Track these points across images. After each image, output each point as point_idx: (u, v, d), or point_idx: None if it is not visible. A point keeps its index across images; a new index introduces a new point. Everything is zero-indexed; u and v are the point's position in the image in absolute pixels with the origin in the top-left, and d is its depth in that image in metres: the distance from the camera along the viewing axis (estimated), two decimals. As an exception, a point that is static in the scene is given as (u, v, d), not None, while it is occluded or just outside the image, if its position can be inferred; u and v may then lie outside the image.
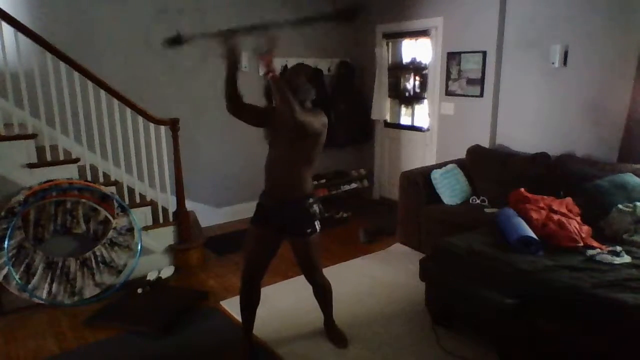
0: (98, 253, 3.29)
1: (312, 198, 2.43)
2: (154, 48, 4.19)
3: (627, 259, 2.52)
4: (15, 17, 3.02)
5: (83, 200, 3.29)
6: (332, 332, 2.77)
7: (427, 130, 5.07)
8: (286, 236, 2.48)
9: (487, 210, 3.68)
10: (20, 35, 3.03)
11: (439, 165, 4.16)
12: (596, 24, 3.59)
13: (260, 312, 3.02)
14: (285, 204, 2.40)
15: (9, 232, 2.98)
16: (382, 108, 5.42)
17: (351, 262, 3.86)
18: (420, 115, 5.29)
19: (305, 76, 2.37)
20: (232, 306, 3.06)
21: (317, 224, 2.47)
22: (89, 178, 3.44)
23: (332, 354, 2.62)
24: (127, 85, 3.69)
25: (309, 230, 2.42)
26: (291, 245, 2.50)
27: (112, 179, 3.60)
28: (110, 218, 3.36)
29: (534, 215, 2.89)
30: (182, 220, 3.76)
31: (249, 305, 2.59)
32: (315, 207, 2.43)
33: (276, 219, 2.43)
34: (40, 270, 3.09)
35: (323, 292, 2.70)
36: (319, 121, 2.33)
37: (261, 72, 2.16)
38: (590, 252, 2.61)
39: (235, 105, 2.34)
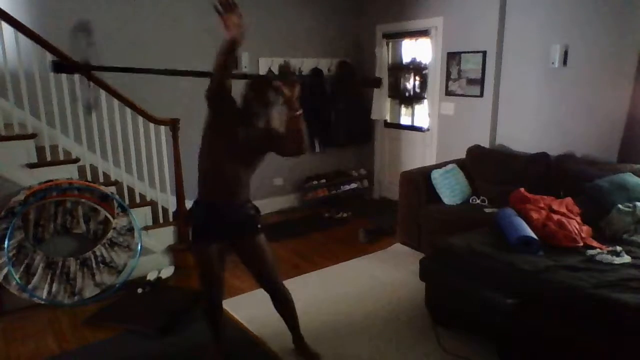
0: (98, 253, 3.29)
1: (249, 203, 2.35)
2: (154, 47, 4.22)
3: (627, 259, 2.52)
4: (15, 17, 3.02)
5: (83, 200, 3.29)
6: (303, 350, 2.58)
7: (427, 130, 5.07)
8: (232, 245, 2.35)
9: (487, 210, 3.68)
10: (20, 35, 3.03)
11: (439, 165, 4.15)
12: (596, 24, 3.59)
13: (260, 311, 3.03)
14: (226, 211, 2.27)
15: (9, 232, 2.98)
16: (382, 108, 5.42)
17: (351, 262, 3.86)
18: (420, 115, 5.29)
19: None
20: (231, 306, 3.06)
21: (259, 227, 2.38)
22: (89, 178, 3.44)
23: (331, 354, 2.62)
24: (127, 85, 3.69)
25: (259, 226, 2.34)
26: (240, 252, 2.37)
27: (112, 179, 3.60)
28: (110, 218, 3.36)
29: (534, 215, 2.89)
30: (182, 220, 3.76)
31: (213, 319, 2.50)
32: (253, 211, 2.35)
33: (219, 228, 2.29)
34: (40, 270, 3.09)
35: (283, 301, 2.49)
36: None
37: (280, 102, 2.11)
38: (590, 252, 2.61)
39: (224, 92, 2.13)
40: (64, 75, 3.21)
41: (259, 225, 2.37)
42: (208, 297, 2.43)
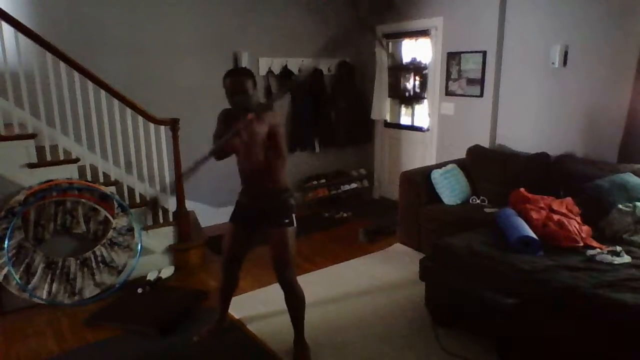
0: (98, 253, 3.29)
1: (287, 192, 2.49)
2: (154, 47, 4.22)
3: (627, 259, 2.52)
4: (15, 17, 3.02)
5: (83, 200, 3.30)
6: (299, 352, 2.58)
7: (427, 130, 5.07)
8: (263, 230, 2.49)
9: (487, 210, 3.68)
10: (20, 35, 3.03)
11: (439, 165, 4.15)
12: (596, 24, 3.59)
13: (260, 311, 3.04)
14: (261, 199, 2.47)
15: (9, 232, 2.98)
16: (382, 108, 5.42)
17: (351, 262, 3.86)
18: (420, 115, 5.29)
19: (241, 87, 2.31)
20: (231, 306, 3.06)
21: (294, 218, 2.50)
22: (89, 178, 3.44)
23: (332, 354, 2.62)
24: (127, 85, 3.69)
25: (286, 221, 2.45)
26: (268, 240, 2.49)
27: (112, 179, 3.60)
28: (110, 218, 3.36)
29: (534, 215, 2.89)
30: (182, 220, 3.76)
31: (225, 288, 2.76)
32: (292, 201, 2.50)
33: (252, 215, 2.50)
34: (40, 270, 3.09)
35: (295, 298, 2.54)
36: (278, 124, 2.36)
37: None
38: (590, 252, 2.61)
39: (221, 157, 2.49)
40: (63, 75, 3.21)
41: (293, 221, 2.49)
42: (223, 267, 2.69)
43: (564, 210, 2.95)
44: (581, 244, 2.70)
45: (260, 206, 2.49)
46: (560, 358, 2.33)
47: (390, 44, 5.39)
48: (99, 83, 3.33)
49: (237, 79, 2.31)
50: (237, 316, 3.02)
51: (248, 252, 2.68)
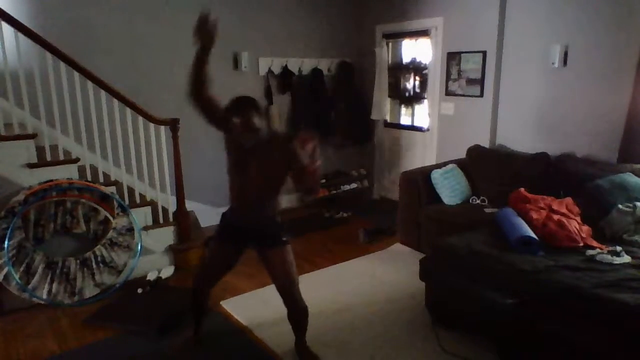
0: (98, 253, 3.29)
1: (274, 218, 2.40)
2: (154, 47, 4.22)
3: (627, 259, 2.52)
4: (15, 17, 3.02)
5: (83, 200, 3.29)
6: (304, 354, 2.58)
7: (427, 130, 5.07)
8: (260, 251, 2.41)
9: (487, 210, 3.68)
10: (20, 35, 3.03)
11: (439, 165, 4.15)
12: (596, 23, 3.59)
13: (260, 311, 3.04)
14: (256, 222, 2.38)
15: (9, 232, 2.98)
16: (382, 108, 5.42)
17: (351, 262, 3.86)
18: (420, 115, 5.29)
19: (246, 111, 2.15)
20: (231, 306, 3.07)
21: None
22: (89, 178, 3.44)
23: (332, 354, 2.62)
24: (127, 85, 3.69)
25: (284, 239, 2.39)
26: (267, 260, 2.41)
27: (112, 179, 3.60)
28: (110, 218, 3.36)
29: (534, 215, 2.89)
30: (182, 220, 3.76)
31: (197, 305, 2.64)
32: (276, 227, 2.41)
33: (245, 237, 2.41)
34: (40, 270, 3.09)
35: (299, 315, 2.49)
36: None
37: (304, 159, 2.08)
38: (590, 252, 2.61)
39: (198, 95, 2.15)
40: (63, 75, 3.21)
41: (284, 238, 2.40)
42: (196, 287, 2.59)
43: (564, 210, 2.95)
44: (581, 244, 2.70)
45: (254, 227, 2.38)
46: (560, 358, 2.33)
47: (390, 44, 5.39)
48: (99, 83, 3.33)
49: (244, 117, 2.12)
50: (237, 317, 3.01)
51: (227, 271, 2.56)
